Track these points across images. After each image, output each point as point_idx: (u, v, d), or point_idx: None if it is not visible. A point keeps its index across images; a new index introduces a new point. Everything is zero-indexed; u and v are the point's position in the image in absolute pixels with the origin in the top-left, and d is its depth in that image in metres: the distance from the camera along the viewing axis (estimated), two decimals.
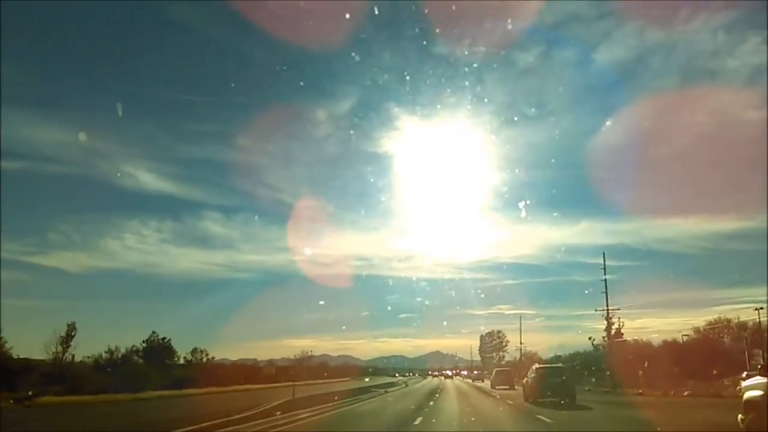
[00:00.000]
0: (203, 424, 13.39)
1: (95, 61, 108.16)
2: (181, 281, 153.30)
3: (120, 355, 57.20)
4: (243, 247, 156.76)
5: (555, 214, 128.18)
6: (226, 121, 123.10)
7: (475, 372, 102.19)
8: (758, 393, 9.85)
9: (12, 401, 26.30)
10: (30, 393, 28.79)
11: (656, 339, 52.66)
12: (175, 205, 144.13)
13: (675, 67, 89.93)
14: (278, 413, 17.77)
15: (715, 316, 47.94)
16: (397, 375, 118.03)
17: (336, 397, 26.09)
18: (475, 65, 59.69)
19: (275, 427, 14.90)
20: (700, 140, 78.70)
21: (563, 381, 25.16)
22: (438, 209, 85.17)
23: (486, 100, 74.04)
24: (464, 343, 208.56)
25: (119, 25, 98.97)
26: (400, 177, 77.22)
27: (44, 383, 38.81)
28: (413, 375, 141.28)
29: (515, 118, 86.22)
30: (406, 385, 60.14)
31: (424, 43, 60.27)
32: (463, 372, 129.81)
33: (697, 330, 47.57)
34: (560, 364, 36.50)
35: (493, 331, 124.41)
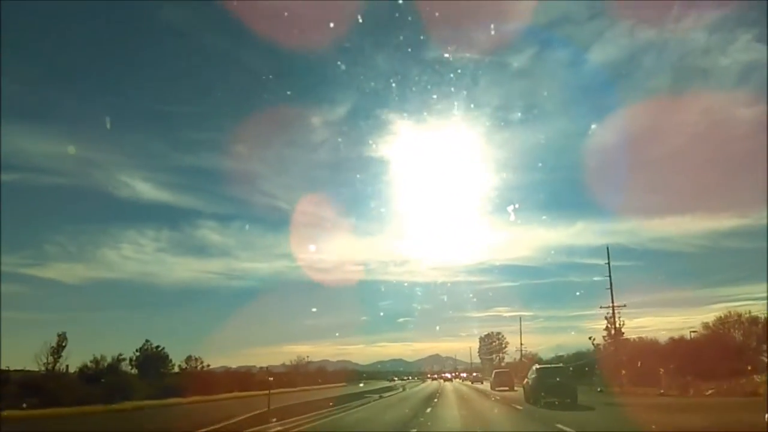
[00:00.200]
0: None
1: (89, 71, 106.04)
2: (178, 290, 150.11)
3: (106, 364, 53.62)
4: (240, 254, 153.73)
5: (550, 215, 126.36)
6: (221, 129, 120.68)
7: (474, 374, 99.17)
8: None
9: None
10: None
11: (663, 336, 49.60)
12: (171, 214, 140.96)
13: (667, 66, 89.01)
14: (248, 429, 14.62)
15: (724, 312, 44.85)
16: (395, 379, 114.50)
17: (323, 406, 22.93)
18: (468, 68, 58.40)
19: None
20: (693, 139, 78.55)
21: (564, 381, 24.74)
22: (434, 213, 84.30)
23: (480, 103, 73.03)
24: (463, 346, 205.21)
25: (113, 36, 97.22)
26: (396, 181, 76.13)
27: (21, 395, 36.02)
28: (412, 378, 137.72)
29: (509, 120, 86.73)
30: (404, 390, 56.79)
31: (418, 47, 58.96)
32: (462, 374, 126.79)
33: (706, 326, 44.47)
34: (561, 365, 34.92)
35: (492, 332, 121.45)
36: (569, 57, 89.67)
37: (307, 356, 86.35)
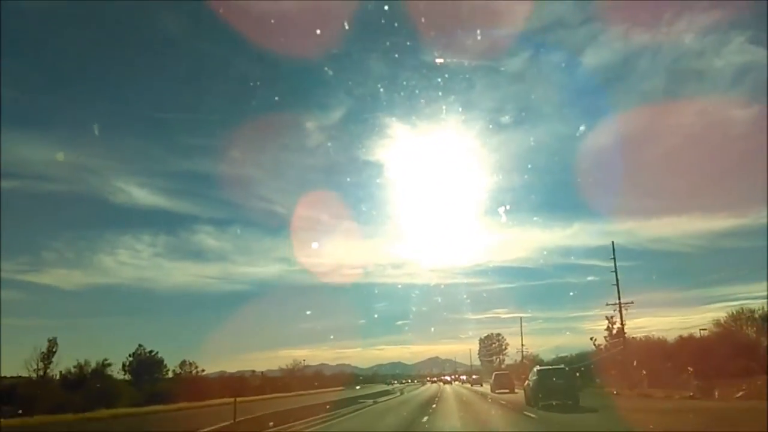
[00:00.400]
0: None
1: (85, 78, 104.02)
2: (175, 295, 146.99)
3: (90, 370, 50.56)
4: (237, 259, 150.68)
5: (546, 217, 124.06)
6: (217, 135, 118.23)
7: (474, 377, 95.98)
8: None
9: None
10: None
11: (661, 336, 46.75)
12: (167, 219, 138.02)
13: (661, 69, 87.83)
14: None
15: (736, 308, 42.04)
16: (395, 382, 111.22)
17: (307, 414, 19.91)
18: (463, 72, 57.60)
19: None
20: (689, 140, 77.81)
21: (566, 383, 23.95)
22: (431, 215, 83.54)
23: (475, 106, 72.17)
24: (463, 348, 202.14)
25: (109, 43, 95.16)
26: (393, 184, 75.23)
27: None
28: (411, 381, 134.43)
29: (504, 123, 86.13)
30: (401, 394, 53.55)
31: (412, 51, 58.12)
32: (462, 377, 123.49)
33: (717, 323, 41.55)
34: (562, 366, 32.59)
35: (492, 334, 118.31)
36: (563, 60, 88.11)
37: (304, 360, 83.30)
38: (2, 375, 47.14)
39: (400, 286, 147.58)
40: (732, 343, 35.92)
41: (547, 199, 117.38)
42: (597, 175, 78.16)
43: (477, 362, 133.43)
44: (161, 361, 65.86)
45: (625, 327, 49.40)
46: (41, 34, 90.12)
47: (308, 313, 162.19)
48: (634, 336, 45.76)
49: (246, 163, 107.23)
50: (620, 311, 41.30)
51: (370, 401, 34.54)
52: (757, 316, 39.59)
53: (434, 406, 28.05)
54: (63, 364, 50.13)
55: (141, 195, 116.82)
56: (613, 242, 43.96)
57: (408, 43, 48.78)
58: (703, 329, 43.09)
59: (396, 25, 46.31)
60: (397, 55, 59.87)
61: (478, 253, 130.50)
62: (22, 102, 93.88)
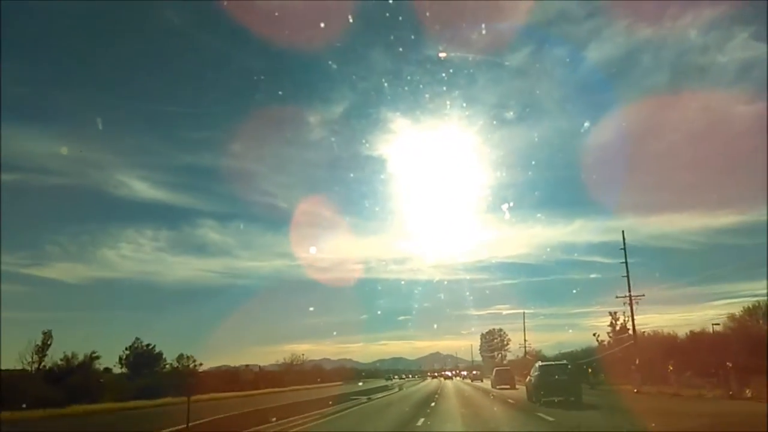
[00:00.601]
0: None
1: (88, 72, 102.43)
2: (178, 289, 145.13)
3: (77, 363, 47.93)
4: (240, 253, 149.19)
5: (549, 213, 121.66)
6: (220, 128, 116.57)
7: (474, 372, 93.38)
8: None
9: None
10: None
11: (678, 331, 43.87)
12: (170, 213, 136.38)
13: (664, 64, 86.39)
14: None
15: (753, 302, 39.14)
16: (395, 377, 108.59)
17: (287, 413, 17.15)
18: (465, 66, 56.21)
19: None
20: (691, 136, 76.33)
21: (568, 379, 23.14)
22: (434, 211, 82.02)
23: (478, 101, 71.34)
24: (464, 344, 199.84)
25: (111, 37, 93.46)
26: (395, 179, 74.64)
27: None
28: (412, 377, 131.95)
29: (507, 119, 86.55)
30: (400, 389, 50.81)
31: (414, 45, 56.74)
32: (462, 372, 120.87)
33: (732, 318, 38.66)
34: (564, 361, 30.26)
35: (493, 329, 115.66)
36: (566, 55, 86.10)
37: (303, 354, 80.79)
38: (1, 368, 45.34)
39: (402, 281, 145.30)
40: (752, 338, 32.99)
41: (550, 195, 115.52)
42: (599, 171, 76.49)
43: (478, 358, 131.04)
44: (160, 354, 63.75)
45: (628, 324, 47.89)
46: (44, 28, 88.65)
47: (311, 308, 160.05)
48: (645, 330, 43.01)
49: (249, 157, 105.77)
50: (630, 304, 38.48)
51: (364, 398, 31.78)
52: None
53: (433, 404, 25.25)
54: (58, 357, 48.21)
55: (144, 189, 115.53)
56: (623, 231, 41.27)
57: (411, 38, 47.98)
58: (716, 324, 40.32)
59: (400, 19, 45.75)
60: (400, 50, 57.92)
61: (481, 249, 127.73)
62: (25, 96, 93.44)
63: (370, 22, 57.03)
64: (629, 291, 38.61)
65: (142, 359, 62.54)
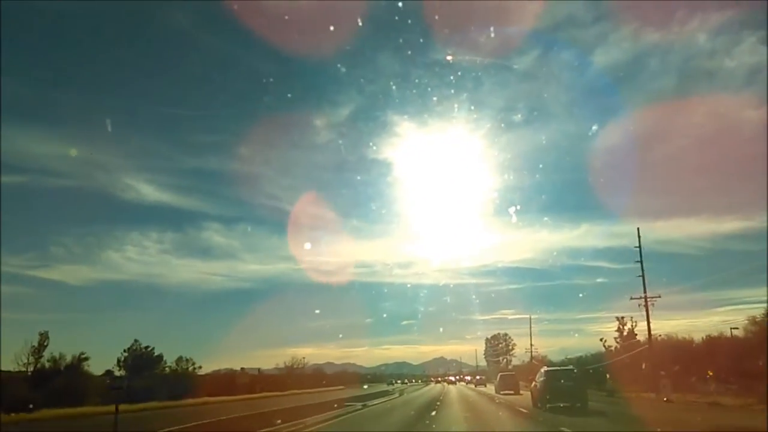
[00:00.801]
0: None
1: (95, 74, 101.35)
2: (182, 292, 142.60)
3: (65, 364, 45.50)
4: (244, 256, 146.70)
5: (554, 217, 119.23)
6: (226, 132, 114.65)
7: (478, 377, 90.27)
8: None
9: None
10: None
11: (697, 335, 40.93)
12: (175, 216, 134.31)
13: (672, 69, 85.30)
14: None
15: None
16: (397, 382, 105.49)
17: (255, 425, 14.40)
18: (472, 70, 55.79)
19: None
20: (698, 141, 74.99)
21: (575, 385, 22.45)
22: (439, 214, 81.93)
23: (484, 105, 69.41)
24: (469, 349, 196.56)
25: (119, 39, 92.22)
26: (401, 183, 72.33)
27: None
28: (415, 381, 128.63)
29: (513, 122, 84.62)
30: (400, 395, 47.85)
31: (421, 49, 55.94)
32: (467, 377, 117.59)
33: (753, 321, 35.48)
34: (571, 367, 29.71)
35: (498, 334, 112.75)
36: (573, 59, 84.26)
37: (303, 357, 77.94)
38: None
39: (407, 285, 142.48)
40: None
41: (556, 199, 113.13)
42: (606, 175, 75.87)
43: (483, 363, 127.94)
44: (160, 357, 61.50)
45: (636, 329, 45.98)
46: (52, 30, 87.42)
47: (315, 311, 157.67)
48: (659, 335, 39.91)
49: (255, 160, 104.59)
50: (646, 305, 35.38)
51: (359, 405, 29.01)
52: None
53: (433, 413, 22.46)
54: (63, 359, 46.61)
55: (149, 191, 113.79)
56: (638, 228, 38.12)
57: (419, 41, 47.43)
58: (734, 327, 37.33)
59: (408, 22, 45.18)
60: (408, 53, 57.09)
61: (486, 253, 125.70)
62: (31, 97, 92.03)
63: (378, 25, 55.94)
64: (644, 291, 35.55)
65: (141, 361, 60.43)
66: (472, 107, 60.99)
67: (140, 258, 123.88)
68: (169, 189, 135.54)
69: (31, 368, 45.28)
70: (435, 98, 47.65)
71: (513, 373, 54.55)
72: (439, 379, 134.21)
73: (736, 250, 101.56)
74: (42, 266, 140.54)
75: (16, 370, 44.83)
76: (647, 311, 35.16)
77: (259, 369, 74.63)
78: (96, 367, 53.32)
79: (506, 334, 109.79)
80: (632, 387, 35.79)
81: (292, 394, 50.38)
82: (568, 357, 59.66)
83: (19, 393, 35.36)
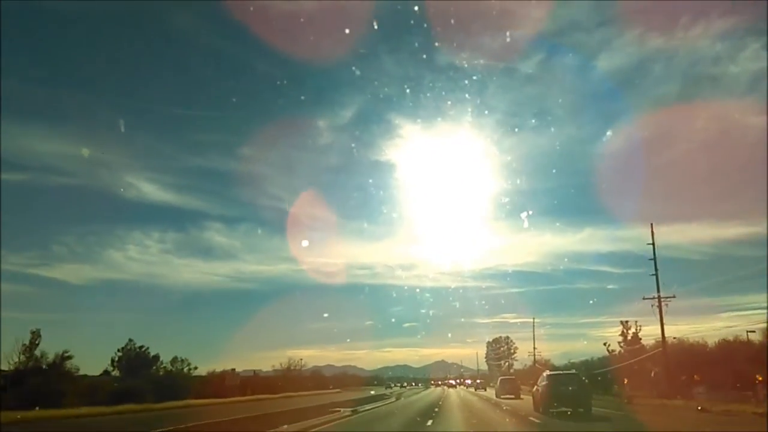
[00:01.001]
0: None
1: (98, 74, 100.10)
2: (183, 292, 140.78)
3: (48, 363, 43.02)
4: (246, 257, 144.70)
5: (558, 221, 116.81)
6: (229, 132, 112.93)
7: (478, 381, 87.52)
8: None
9: None
10: None
11: (711, 339, 38.39)
12: (177, 215, 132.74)
13: (676, 74, 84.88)
14: None
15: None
16: (395, 385, 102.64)
17: None
18: (477, 74, 54.82)
19: None
20: (702, 146, 73.70)
21: (578, 389, 21.77)
22: (441, 218, 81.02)
23: (488, 109, 69.18)
24: (470, 352, 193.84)
25: (124, 39, 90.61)
26: (404, 185, 73.75)
27: None
28: (415, 384, 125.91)
29: (518, 127, 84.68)
30: (397, 399, 45.08)
31: (427, 53, 54.63)
32: (467, 381, 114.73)
33: None
34: (574, 371, 28.24)
35: (500, 337, 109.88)
36: (578, 64, 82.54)
37: (301, 359, 75.37)
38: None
39: (408, 288, 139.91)
40: None
41: (559, 203, 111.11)
42: (610, 179, 73.64)
43: (484, 366, 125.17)
44: (156, 357, 59.37)
45: (640, 333, 44.31)
46: (58, 30, 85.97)
47: (317, 313, 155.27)
48: (670, 338, 37.35)
49: (257, 160, 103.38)
50: (660, 306, 32.74)
51: (348, 411, 26.32)
52: None
53: (429, 423, 19.83)
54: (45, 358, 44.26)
55: (151, 191, 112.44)
56: (651, 224, 35.70)
57: (424, 45, 45.47)
58: (751, 331, 34.67)
59: (412, 26, 43.35)
60: (412, 56, 54.88)
61: (488, 257, 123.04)
62: (35, 96, 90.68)
63: (383, 28, 54.67)
64: (658, 291, 32.91)
65: (135, 361, 58.28)
66: (476, 110, 60.12)
67: (142, 257, 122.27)
68: (171, 188, 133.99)
69: (22, 367, 43.43)
70: (440, 101, 46.74)
71: (514, 377, 52.83)
72: (439, 382, 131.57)
73: (739, 255, 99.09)
74: (43, 265, 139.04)
75: (7, 369, 43.02)
76: (660, 311, 32.70)
77: (254, 371, 72.18)
78: (96, 367, 51.85)
79: (508, 337, 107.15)
80: (642, 392, 33.29)
81: (283, 397, 47.72)
82: (572, 361, 57.53)
83: None
